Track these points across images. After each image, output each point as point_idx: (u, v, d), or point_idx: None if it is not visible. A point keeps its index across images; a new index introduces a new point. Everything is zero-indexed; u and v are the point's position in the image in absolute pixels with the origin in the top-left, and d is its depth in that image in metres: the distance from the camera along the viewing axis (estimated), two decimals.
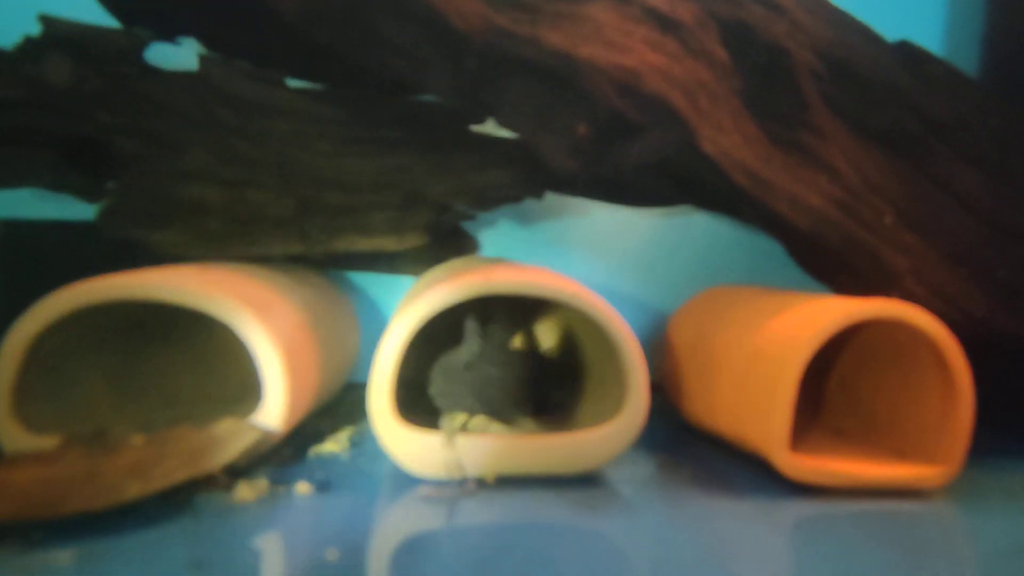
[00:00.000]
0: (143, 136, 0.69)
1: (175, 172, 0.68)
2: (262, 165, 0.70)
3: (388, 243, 0.73)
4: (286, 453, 0.62)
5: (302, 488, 0.54)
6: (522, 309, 0.76)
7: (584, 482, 0.58)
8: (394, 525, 0.49)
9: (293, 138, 0.70)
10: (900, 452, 0.62)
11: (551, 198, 0.82)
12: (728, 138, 0.68)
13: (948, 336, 0.58)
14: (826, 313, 0.58)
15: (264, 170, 0.70)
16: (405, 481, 0.55)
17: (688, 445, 0.71)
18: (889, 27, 0.77)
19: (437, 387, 0.62)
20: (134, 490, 0.47)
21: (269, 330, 0.56)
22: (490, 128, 0.75)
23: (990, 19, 0.91)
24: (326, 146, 0.71)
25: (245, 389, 0.67)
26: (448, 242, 0.81)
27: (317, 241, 0.70)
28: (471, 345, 0.62)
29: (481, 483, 0.56)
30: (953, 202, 0.72)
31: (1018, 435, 0.75)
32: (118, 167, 0.69)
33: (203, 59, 0.71)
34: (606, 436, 0.56)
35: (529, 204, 0.82)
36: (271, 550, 0.46)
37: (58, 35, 0.68)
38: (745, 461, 0.64)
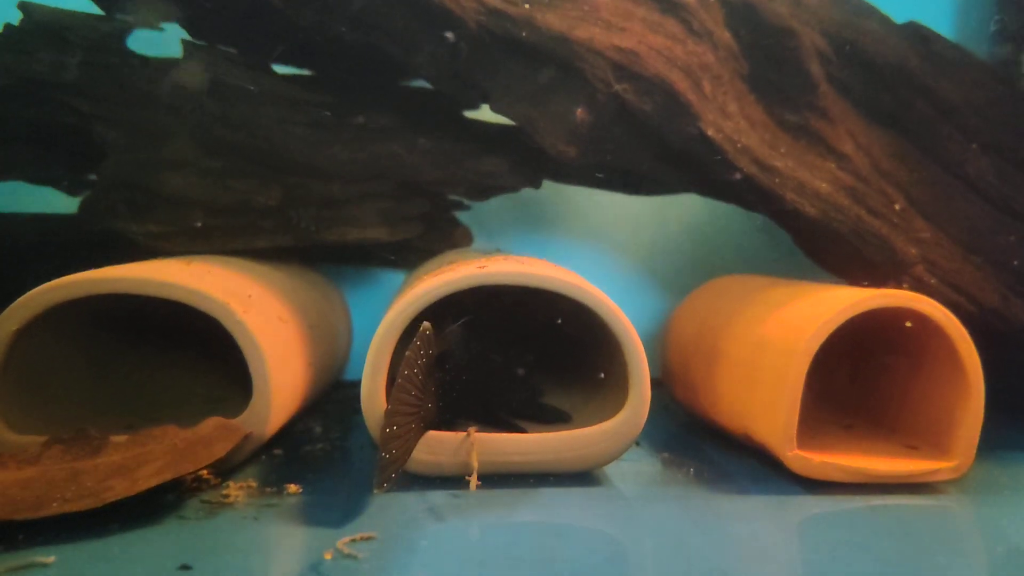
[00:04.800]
0: (125, 125, 0.67)
1: (158, 162, 0.66)
2: (247, 154, 0.68)
3: (380, 234, 0.71)
4: (276, 452, 0.60)
5: (292, 488, 0.52)
6: (518, 302, 0.74)
7: (586, 480, 0.56)
8: (389, 524, 0.48)
9: (279, 126, 0.68)
10: (911, 445, 0.61)
11: (548, 186, 0.81)
12: (733, 123, 0.66)
13: (959, 327, 0.56)
14: (833, 304, 0.56)
15: (249, 159, 0.68)
16: (400, 478, 0.54)
17: (692, 441, 0.70)
18: (897, 7, 0.75)
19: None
20: (118, 490, 0.45)
21: (257, 327, 0.54)
22: (485, 114, 0.73)
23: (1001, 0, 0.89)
24: (314, 134, 0.69)
25: (233, 387, 0.65)
26: (442, 233, 0.79)
27: (305, 233, 0.69)
28: (457, 349, 0.59)
29: (480, 481, 0.54)
30: (965, 188, 0.71)
31: None
32: (99, 157, 0.67)
33: (186, 45, 0.69)
34: (608, 433, 0.55)
35: (526, 192, 0.80)
36: (260, 552, 0.44)
37: (39, 22, 0.67)
38: (751, 457, 0.63)
